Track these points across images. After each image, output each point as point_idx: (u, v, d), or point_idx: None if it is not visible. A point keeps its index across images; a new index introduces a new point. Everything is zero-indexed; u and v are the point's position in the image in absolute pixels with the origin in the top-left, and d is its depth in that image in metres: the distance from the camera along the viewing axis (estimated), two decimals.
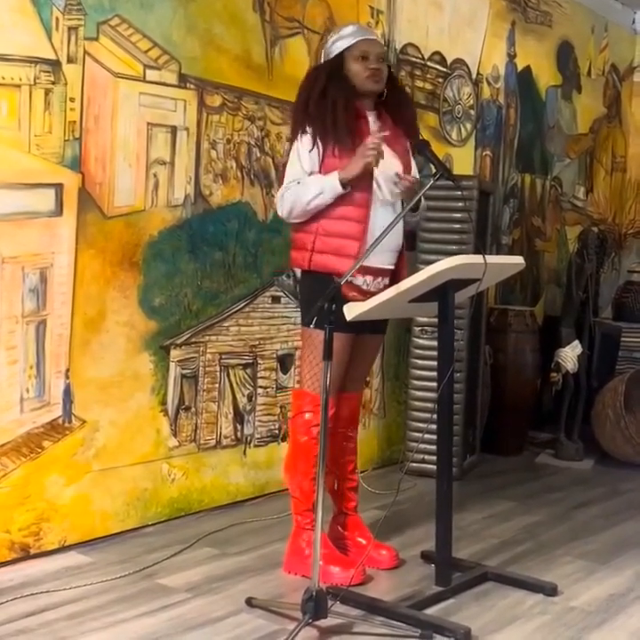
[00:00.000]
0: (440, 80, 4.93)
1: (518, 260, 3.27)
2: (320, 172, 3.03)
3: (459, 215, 4.36)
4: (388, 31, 4.54)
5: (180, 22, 3.53)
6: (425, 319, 4.44)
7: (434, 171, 2.97)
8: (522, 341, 5.07)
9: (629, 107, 6.92)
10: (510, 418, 5.06)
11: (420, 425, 4.42)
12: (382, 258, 3.06)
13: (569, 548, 3.56)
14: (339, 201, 3.00)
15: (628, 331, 5.64)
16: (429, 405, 4.33)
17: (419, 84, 4.78)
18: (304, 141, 3.04)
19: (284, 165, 3.19)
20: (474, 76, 5.18)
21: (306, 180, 3.02)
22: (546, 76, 5.90)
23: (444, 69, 4.95)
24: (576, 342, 5.14)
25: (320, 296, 2.81)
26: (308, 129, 3.03)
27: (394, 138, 3.12)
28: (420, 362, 4.52)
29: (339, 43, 3.11)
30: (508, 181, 5.63)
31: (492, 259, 3.07)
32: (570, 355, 5.10)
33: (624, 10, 6.63)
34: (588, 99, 6.39)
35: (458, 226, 4.39)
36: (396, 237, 3.10)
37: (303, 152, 3.04)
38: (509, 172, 5.64)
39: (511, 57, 5.51)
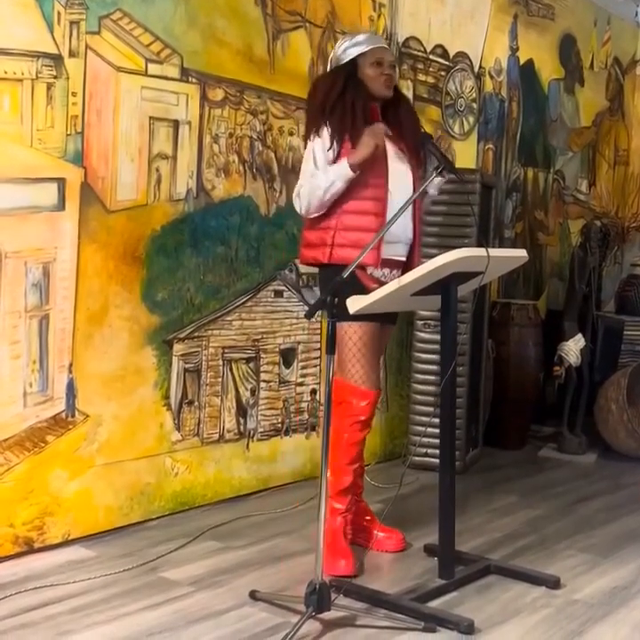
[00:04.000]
0: (442, 73, 4.92)
1: (521, 253, 3.27)
2: None
3: (461, 209, 4.35)
4: (390, 24, 4.53)
5: (182, 16, 3.52)
6: (428, 313, 4.44)
7: (436, 164, 2.99)
8: (525, 335, 5.07)
9: (632, 100, 6.90)
10: (513, 411, 5.06)
11: (423, 419, 4.42)
12: (396, 249, 3.17)
13: (572, 541, 3.56)
14: (356, 196, 3.10)
15: (630, 324, 5.64)
16: (432, 399, 4.33)
17: (421, 77, 4.77)
18: (321, 140, 3.11)
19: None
20: (476, 69, 5.17)
21: (318, 174, 3.10)
22: (548, 70, 5.89)
23: (447, 63, 4.94)
24: (579, 336, 5.14)
25: (344, 288, 2.86)
26: (325, 128, 3.11)
27: (400, 139, 3.24)
28: (422, 355, 4.52)
29: (352, 49, 3.22)
30: (510, 175, 5.62)
31: (495, 252, 3.07)
32: (573, 348, 5.09)
33: (626, 3, 6.61)
34: (590, 92, 6.38)
35: (460, 219, 4.38)
36: (406, 229, 3.19)
37: (319, 151, 3.12)
38: (512, 165, 5.63)
39: (513, 50, 5.50)
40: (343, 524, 3.20)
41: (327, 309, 2.60)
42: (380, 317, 3.12)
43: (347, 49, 3.23)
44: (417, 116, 3.43)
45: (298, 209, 3.19)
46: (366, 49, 3.21)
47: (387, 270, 3.17)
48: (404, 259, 3.23)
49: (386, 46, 3.37)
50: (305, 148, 3.24)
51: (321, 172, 3.10)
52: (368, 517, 3.38)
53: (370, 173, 3.11)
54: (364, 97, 3.18)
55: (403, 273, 3.16)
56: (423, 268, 2.85)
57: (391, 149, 3.20)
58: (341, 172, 3.06)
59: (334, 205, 3.12)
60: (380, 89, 3.21)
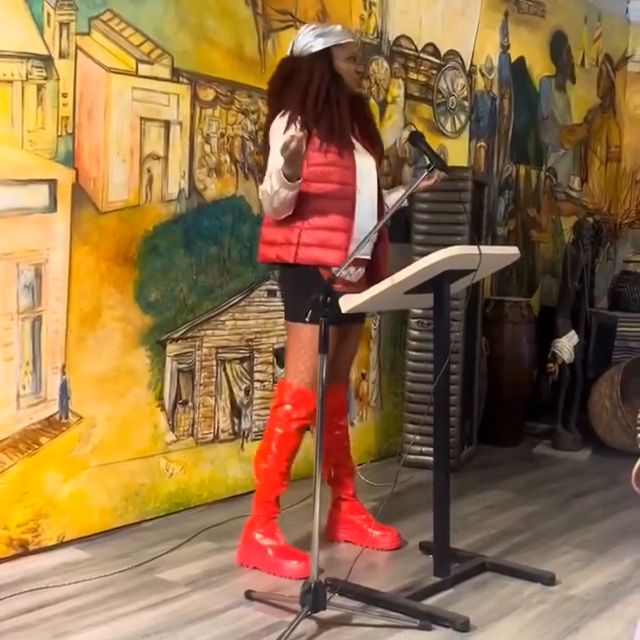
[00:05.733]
0: (434, 72, 4.92)
1: (513, 250, 3.27)
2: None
3: (453, 207, 4.35)
4: (381, 23, 4.53)
5: (172, 16, 3.52)
6: (421, 311, 4.44)
7: (428, 162, 2.99)
8: (518, 332, 5.08)
9: (623, 96, 6.91)
10: (507, 409, 5.07)
11: (418, 417, 4.41)
12: (363, 248, 3.07)
13: (567, 537, 3.57)
14: (324, 195, 3.00)
15: (623, 320, 5.65)
16: (426, 397, 4.32)
17: (412, 75, 4.77)
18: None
19: (263, 152, 3.15)
20: (467, 67, 5.18)
21: (269, 175, 2.94)
22: (539, 67, 5.90)
23: (438, 61, 4.94)
24: (572, 332, 5.15)
25: (308, 288, 2.83)
26: (308, 124, 2.98)
27: (366, 136, 3.19)
28: (416, 354, 4.52)
29: (324, 38, 3.08)
30: (502, 172, 5.63)
31: (488, 249, 3.07)
32: (566, 345, 5.10)
33: None
34: (581, 89, 6.39)
35: (453, 217, 4.38)
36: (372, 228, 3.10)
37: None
38: (504, 163, 5.64)
39: (504, 48, 5.50)
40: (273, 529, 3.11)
41: (319, 309, 2.59)
42: (339, 320, 2.91)
43: (318, 37, 3.08)
44: (373, 112, 3.38)
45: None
46: (342, 42, 3.10)
47: (352, 268, 3.08)
48: (368, 257, 3.15)
49: (355, 41, 3.30)
50: (269, 129, 3.07)
51: (274, 174, 2.90)
52: (362, 516, 3.38)
53: (337, 171, 3.02)
54: (344, 94, 3.09)
55: (368, 271, 3.15)
56: (416, 265, 2.85)
57: (358, 146, 3.13)
58: (282, 181, 2.88)
59: (300, 203, 2.99)
60: (354, 86, 3.15)
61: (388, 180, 4.52)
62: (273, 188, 2.91)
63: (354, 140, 3.12)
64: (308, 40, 3.09)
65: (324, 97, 3.03)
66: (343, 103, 3.07)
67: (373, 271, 3.18)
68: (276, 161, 2.91)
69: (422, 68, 4.84)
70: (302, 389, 3.08)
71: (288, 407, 3.09)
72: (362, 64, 3.24)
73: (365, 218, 3.09)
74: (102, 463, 3.37)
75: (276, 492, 3.12)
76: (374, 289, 2.89)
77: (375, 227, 2.96)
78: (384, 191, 3.29)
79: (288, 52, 3.17)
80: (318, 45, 3.08)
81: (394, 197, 3.32)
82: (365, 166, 3.13)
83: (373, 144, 3.21)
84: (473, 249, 2.92)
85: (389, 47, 4.60)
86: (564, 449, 5.09)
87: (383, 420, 4.75)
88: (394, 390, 4.79)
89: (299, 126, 2.97)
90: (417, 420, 4.40)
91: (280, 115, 3.04)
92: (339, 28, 3.18)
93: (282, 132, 2.97)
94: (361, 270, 3.14)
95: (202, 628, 2.65)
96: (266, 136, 3.12)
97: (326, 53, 3.08)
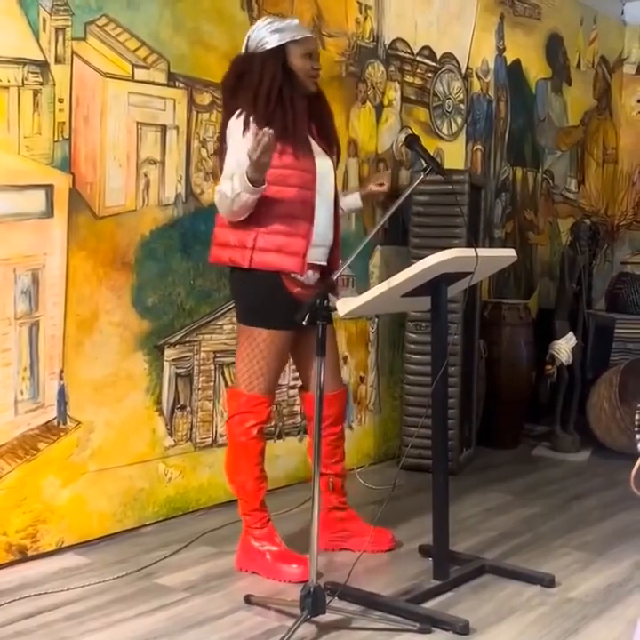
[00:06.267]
0: (430, 75, 4.93)
1: (510, 252, 3.28)
2: None
3: (450, 209, 4.35)
4: (377, 26, 4.54)
5: (168, 21, 3.52)
6: (418, 314, 4.44)
7: (424, 165, 3.00)
8: (516, 334, 5.08)
9: (619, 98, 6.92)
10: (506, 411, 5.07)
11: (416, 419, 4.41)
12: (317, 253, 3.05)
13: (566, 539, 3.56)
14: (282, 198, 2.93)
15: (621, 322, 5.65)
16: (425, 400, 4.33)
17: (408, 79, 4.78)
18: (250, 135, 2.85)
19: (219, 153, 3.09)
20: (463, 70, 5.18)
21: (229, 177, 2.86)
22: (535, 69, 5.91)
23: (434, 64, 4.95)
24: (570, 334, 5.15)
25: (265, 293, 2.85)
26: (260, 126, 2.82)
27: (321, 136, 3.11)
28: (414, 357, 4.52)
29: (280, 34, 2.97)
30: (499, 175, 5.64)
31: (484, 252, 3.08)
32: (564, 347, 5.10)
33: (613, 1, 6.63)
34: (578, 91, 6.40)
35: (450, 220, 4.39)
36: (330, 233, 3.10)
37: (244, 151, 2.83)
38: (501, 165, 5.64)
39: (500, 50, 5.51)
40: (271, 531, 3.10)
41: (317, 312, 2.59)
42: (294, 322, 2.69)
43: (274, 32, 2.97)
44: (333, 118, 3.23)
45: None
46: (300, 37, 2.99)
47: (310, 272, 3.03)
48: (324, 263, 3.08)
49: (313, 37, 3.16)
50: (224, 129, 2.99)
51: (237, 177, 2.81)
52: (356, 522, 3.32)
53: (296, 174, 2.95)
54: (299, 93, 2.98)
55: (322, 275, 3.08)
56: (413, 269, 2.85)
57: (316, 148, 3.06)
58: (245, 185, 2.79)
59: (257, 206, 2.88)
60: (309, 84, 3.02)
61: None
62: (234, 190, 2.82)
63: (311, 141, 3.05)
64: (263, 36, 2.99)
65: (276, 97, 2.93)
66: (297, 102, 2.96)
67: (328, 276, 3.09)
68: (237, 163, 2.85)
69: (418, 71, 4.85)
70: (255, 395, 3.03)
71: (244, 416, 3.04)
72: (318, 61, 3.06)
73: (323, 222, 3.05)
74: (101, 468, 3.36)
75: (258, 498, 3.10)
76: (372, 292, 2.90)
77: (374, 229, 2.95)
78: (339, 194, 3.24)
79: (243, 48, 3.06)
80: (273, 42, 2.97)
81: (348, 201, 3.33)
82: (324, 169, 3.06)
83: (330, 145, 3.12)
84: (470, 252, 2.92)
85: (385, 50, 4.60)
86: (563, 451, 5.09)
87: (382, 423, 4.75)
88: (392, 393, 4.79)
89: (244, 130, 2.88)
90: (415, 422, 4.40)
91: (236, 115, 2.96)
92: (295, 22, 3.07)
93: (240, 133, 2.90)
94: (317, 274, 3.07)
95: (201, 633, 2.64)
96: (222, 137, 3.05)
97: (281, 50, 2.97)
